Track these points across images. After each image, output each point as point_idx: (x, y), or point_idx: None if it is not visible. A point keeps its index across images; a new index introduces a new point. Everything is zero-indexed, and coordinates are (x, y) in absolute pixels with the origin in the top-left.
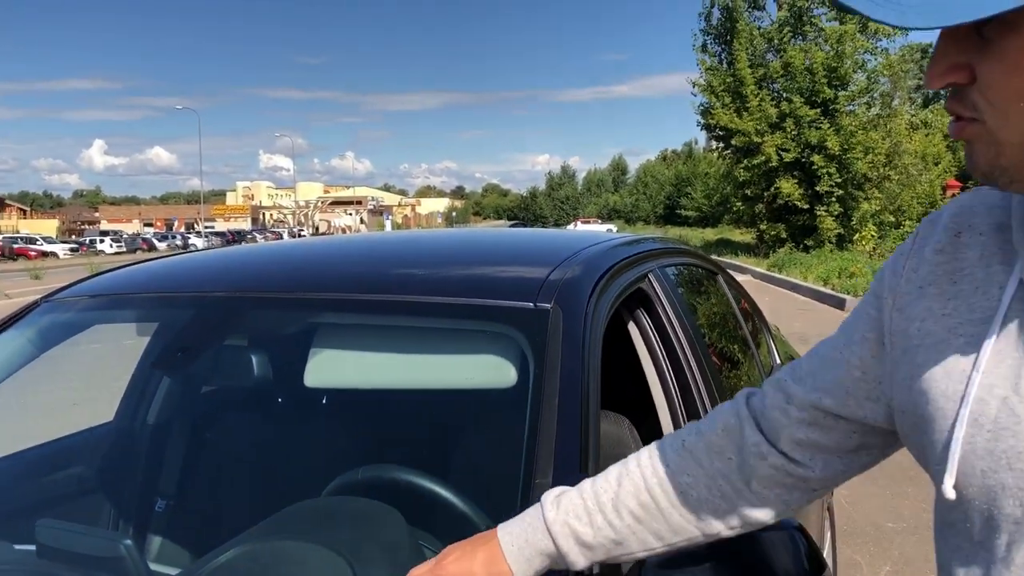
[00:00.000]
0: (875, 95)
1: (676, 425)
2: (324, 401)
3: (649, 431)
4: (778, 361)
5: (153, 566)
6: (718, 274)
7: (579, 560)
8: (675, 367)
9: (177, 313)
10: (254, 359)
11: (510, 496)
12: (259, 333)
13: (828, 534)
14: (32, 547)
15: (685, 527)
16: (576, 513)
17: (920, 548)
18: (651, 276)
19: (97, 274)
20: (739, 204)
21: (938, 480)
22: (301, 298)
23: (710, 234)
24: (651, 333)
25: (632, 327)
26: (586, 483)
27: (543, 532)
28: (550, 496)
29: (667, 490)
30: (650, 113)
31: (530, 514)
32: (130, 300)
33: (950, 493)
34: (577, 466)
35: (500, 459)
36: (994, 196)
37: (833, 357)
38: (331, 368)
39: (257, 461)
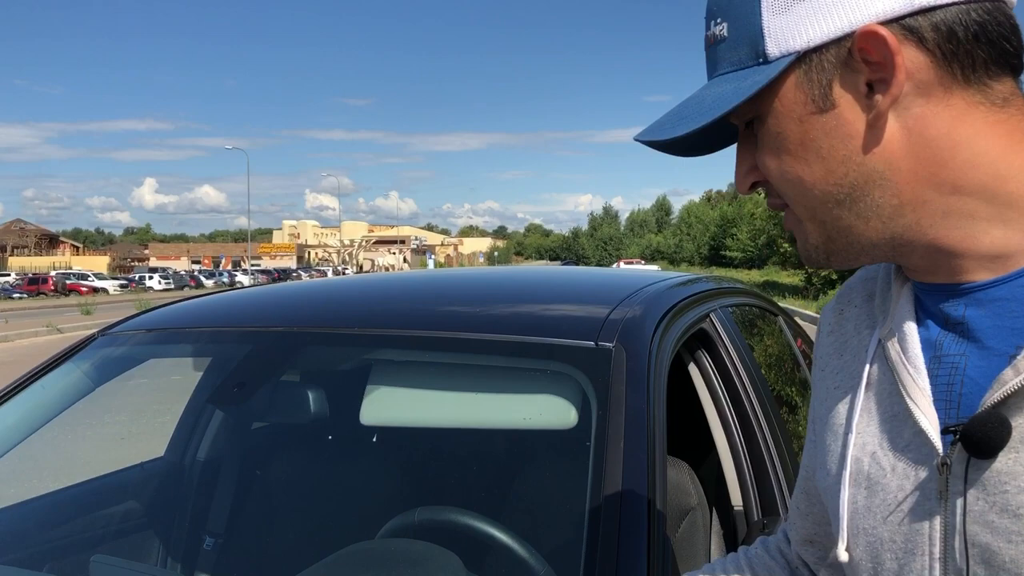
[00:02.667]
0: None
1: (739, 469)
2: (375, 439)
3: (710, 478)
4: None
5: None
6: (779, 315)
7: None
8: (739, 411)
9: (232, 348)
10: (309, 395)
11: (574, 543)
12: (314, 369)
13: None
14: None
15: None
16: None
17: None
18: (712, 316)
19: (153, 308)
20: (786, 245)
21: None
22: (357, 334)
23: (756, 276)
24: (712, 374)
25: (693, 368)
26: None
27: None
28: None
29: None
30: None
31: None
32: (186, 334)
33: (843, 556)
34: (645, 512)
35: (561, 503)
36: (870, 269)
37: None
38: (387, 405)
39: (310, 500)
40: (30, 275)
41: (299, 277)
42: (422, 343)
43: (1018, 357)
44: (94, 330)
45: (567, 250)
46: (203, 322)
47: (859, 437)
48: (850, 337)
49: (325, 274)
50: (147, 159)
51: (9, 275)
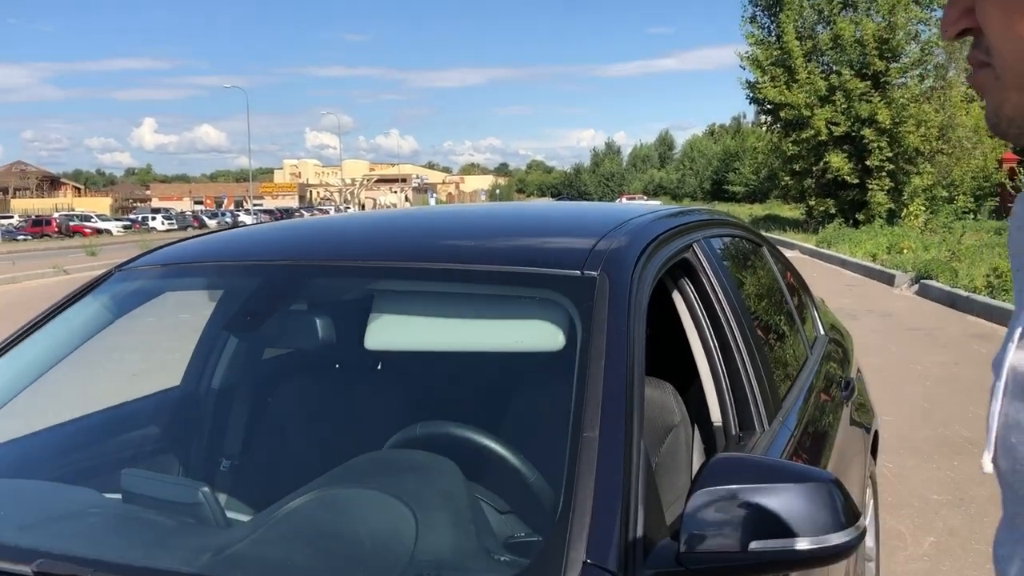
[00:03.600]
0: (929, 67)
1: (718, 388)
2: (379, 367)
3: (693, 398)
4: (821, 332)
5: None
6: (763, 246)
7: None
8: (719, 336)
9: (243, 280)
10: (317, 323)
11: (559, 450)
12: (321, 299)
13: (871, 503)
14: (118, 496)
15: None
16: None
17: (965, 521)
18: (696, 247)
19: (166, 244)
20: (787, 179)
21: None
22: (362, 266)
23: (758, 210)
24: (695, 302)
25: (677, 296)
26: None
27: None
28: None
29: None
30: (697, 87)
31: None
32: (199, 268)
33: (987, 467)
34: (623, 421)
35: (549, 416)
36: None
37: None
38: (390, 332)
39: (319, 420)
40: (33, 217)
41: (301, 217)
42: (422, 274)
43: None
44: (111, 266)
45: (569, 186)
46: (216, 257)
47: (1020, 346)
48: None
49: (327, 213)
50: (146, 99)
51: (12, 217)
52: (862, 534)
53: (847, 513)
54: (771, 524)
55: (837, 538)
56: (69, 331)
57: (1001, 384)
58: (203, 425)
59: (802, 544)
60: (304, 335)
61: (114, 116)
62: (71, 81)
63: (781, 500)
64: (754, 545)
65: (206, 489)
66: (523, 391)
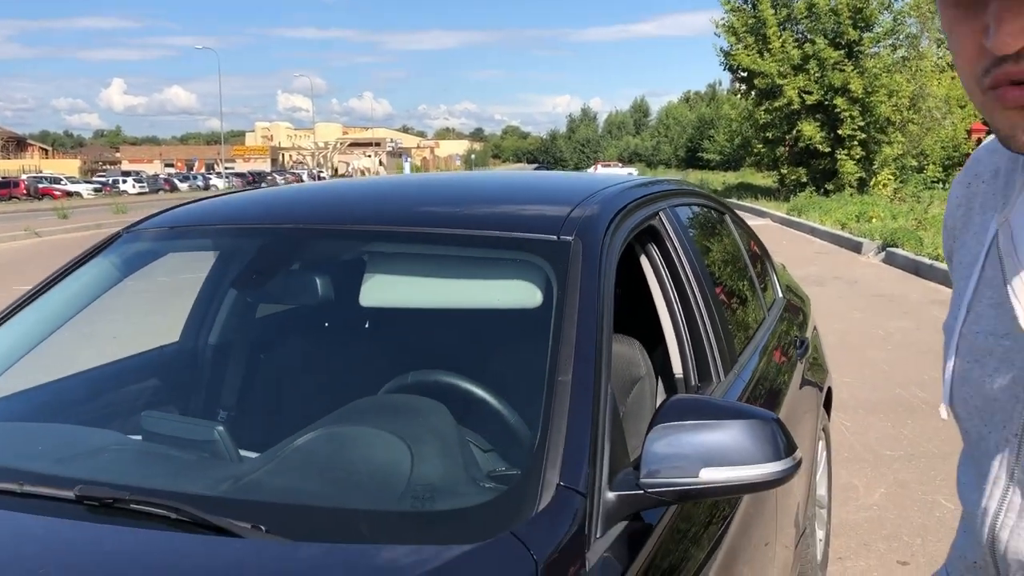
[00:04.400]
0: (901, 37)
1: (680, 344)
2: (374, 322)
3: (659, 354)
4: (780, 296)
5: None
6: (726, 214)
7: None
8: (681, 296)
9: (247, 242)
10: (317, 282)
11: (536, 393)
12: (319, 260)
13: (823, 454)
14: (138, 437)
15: None
16: None
17: (915, 473)
18: (662, 215)
19: (170, 208)
20: (760, 147)
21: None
22: (358, 230)
23: (731, 178)
24: (661, 266)
25: (644, 260)
26: None
27: None
28: None
29: None
30: (674, 53)
31: None
32: (203, 231)
33: (943, 414)
34: (592, 368)
35: (527, 365)
36: (995, 142)
37: None
38: (384, 290)
39: (318, 372)
40: (0, 179)
41: (274, 180)
42: (414, 237)
43: None
44: (82, 228)
45: (545, 152)
46: (220, 220)
47: (971, 315)
48: (975, 215)
49: (300, 177)
50: (115, 59)
51: None
52: (798, 464)
53: (786, 446)
54: (719, 454)
55: (776, 467)
56: (82, 289)
57: (953, 344)
58: (202, 378)
59: (745, 471)
60: (304, 293)
61: (82, 76)
62: (37, 39)
63: (728, 434)
64: (704, 472)
65: (221, 428)
66: (504, 343)
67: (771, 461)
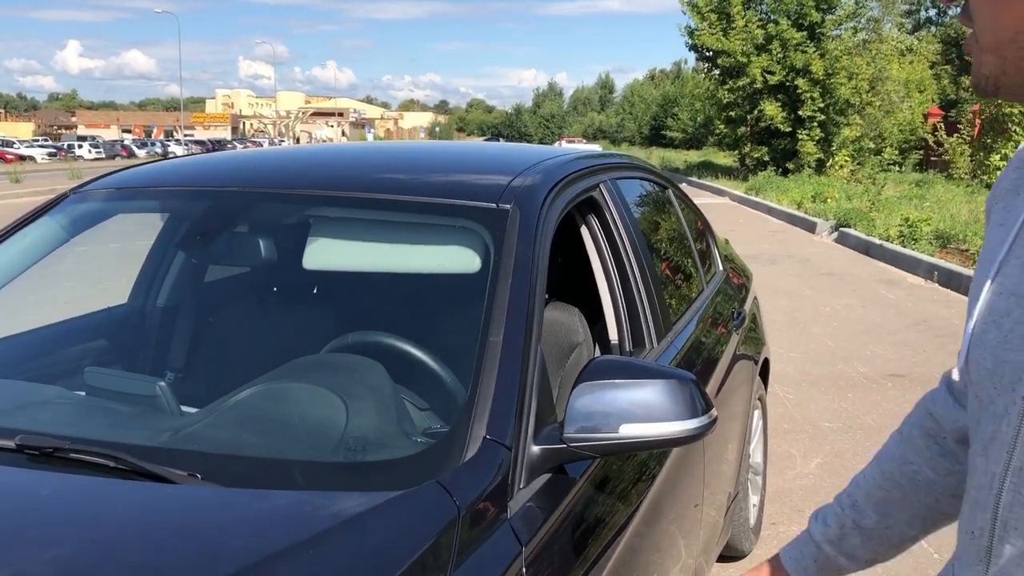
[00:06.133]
0: (862, 20)
1: (616, 312)
2: (317, 284)
3: (599, 323)
4: (720, 269)
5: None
6: (668, 188)
7: (850, 564)
8: (619, 266)
9: (193, 205)
10: (260, 244)
11: (470, 354)
12: (264, 223)
13: (759, 423)
14: (82, 392)
15: (929, 509)
16: (833, 522)
17: (851, 444)
18: (602, 187)
19: (120, 170)
20: (723, 126)
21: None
22: (302, 194)
23: (694, 156)
24: (600, 237)
25: (584, 231)
26: (841, 492)
27: (812, 545)
28: (812, 514)
29: (900, 480)
30: (641, 30)
31: (802, 532)
32: (152, 193)
33: (955, 375)
34: (523, 330)
35: (463, 328)
36: None
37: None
38: (327, 254)
39: (261, 333)
40: None
41: (234, 148)
42: (357, 203)
43: None
44: (36, 193)
45: (509, 127)
46: (168, 182)
47: (1001, 276)
48: (1018, 195)
49: (261, 146)
50: (70, 19)
51: None
52: (713, 421)
53: (703, 405)
54: (639, 412)
55: (692, 423)
56: (27, 248)
57: (977, 306)
58: (153, 336)
59: (663, 428)
60: (248, 255)
61: (36, 37)
62: None
63: (648, 392)
64: (623, 428)
65: (163, 383)
66: (443, 307)
67: (688, 419)
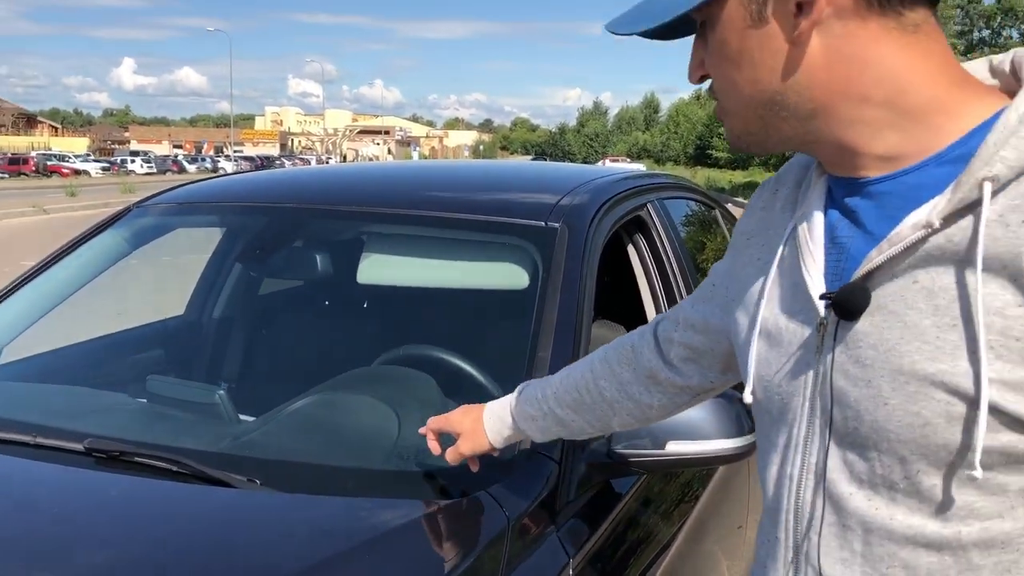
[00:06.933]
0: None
1: None
2: (370, 299)
3: None
4: None
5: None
6: (715, 208)
7: (534, 436)
8: (665, 286)
9: (251, 220)
10: (316, 259)
11: (519, 369)
12: (319, 239)
13: None
14: (143, 400)
15: (605, 420)
16: (532, 402)
17: None
18: (649, 206)
19: (180, 185)
20: None
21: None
22: (356, 211)
23: (739, 176)
24: (647, 255)
25: (631, 249)
26: (547, 379)
27: (509, 413)
28: (520, 387)
29: (592, 390)
30: (687, 50)
31: (507, 398)
32: (211, 208)
33: (748, 398)
34: (571, 345)
35: (511, 342)
36: (807, 157)
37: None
38: (380, 269)
39: (315, 345)
40: (10, 155)
41: (282, 165)
42: (410, 220)
43: (883, 240)
44: (91, 207)
45: (553, 145)
46: (225, 198)
47: (768, 302)
48: (777, 216)
49: (308, 163)
50: (125, 38)
51: None
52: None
53: (749, 424)
54: (685, 429)
55: (738, 442)
56: (90, 260)
57: (755, 332)
58: (210, 346)
59: (709, 446)
60: (305, 269)
61: (92, 55)
62: (48, 16)
63: (694, 410)
64: (670, 445)
65: (222, 392)
66: (491, 322)
67: (734, 437)
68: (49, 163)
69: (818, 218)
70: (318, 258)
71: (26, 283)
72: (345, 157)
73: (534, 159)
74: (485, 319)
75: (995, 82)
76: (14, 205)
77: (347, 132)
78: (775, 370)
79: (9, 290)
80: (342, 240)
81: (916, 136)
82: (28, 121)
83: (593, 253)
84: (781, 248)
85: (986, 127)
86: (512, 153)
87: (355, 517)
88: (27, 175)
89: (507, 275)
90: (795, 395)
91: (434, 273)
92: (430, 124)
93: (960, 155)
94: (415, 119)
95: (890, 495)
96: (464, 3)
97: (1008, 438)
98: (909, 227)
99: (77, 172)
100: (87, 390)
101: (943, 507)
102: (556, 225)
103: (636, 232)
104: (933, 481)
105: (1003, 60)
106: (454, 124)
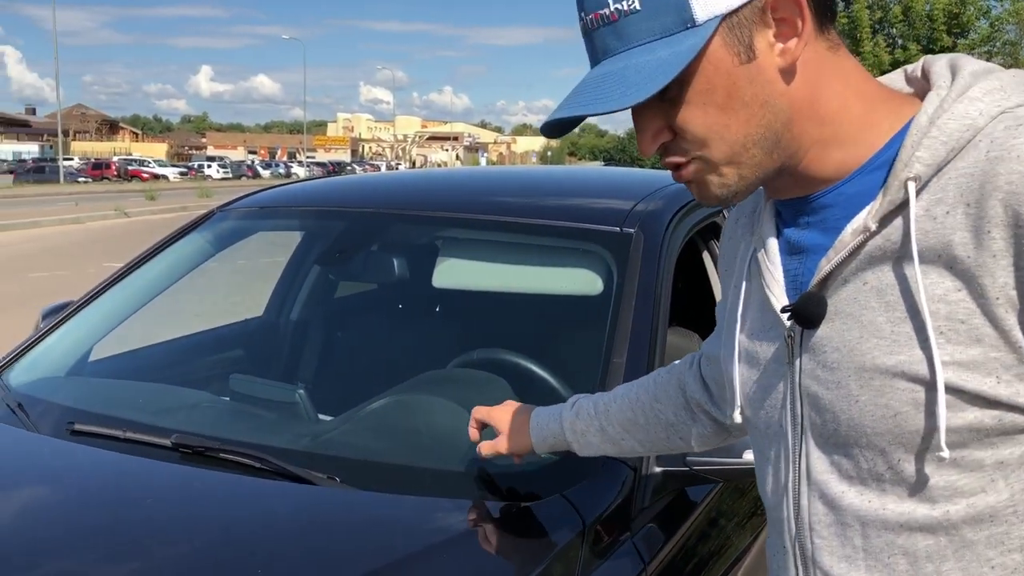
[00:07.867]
0: (998, 44)
1: None
2: (445, 302)
3: None
4: None
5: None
6: None
7: (579, 449)
8: None
9: (330, 224)
10: (393, 263)
11: (593, 374)
12: (396, 243)
13: None
14: (226, 398)
15: (658, 441)
16: (584, 416)
17: None
18: (725, 212)
19: (261, 190)
20: None
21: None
22: (432, 216)
23: None
24: None
25: (706, 256)
26: (600, 395)
27: (558, 422)
28: (572, 399)
29: (647, 411)
30: None
31: (557, 408)
32: (291, 212)
33: (737, 418)
34: (647, 352)
35: (586, 347)
36: None
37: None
38: (455, 273)
39: (391, 347)
40: (93, 160)
41: (353, 171)
42: (485, 225)
43: (830, 249)
44: (169, 211)
45: (622, 151)
46: (305, 203)
47: (743, 324)
48: (739, 243)
49: (378, 168)
50: (203, 46)
51: (73, 159)
52: None
53: None
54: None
55: None
56: (176, 262)
57: (735, 354)
58: (288, 346)
59: None
60: (382, 273)
61: (171, 63)
62: (130, 26)
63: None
64: (747, 454)
65: (301, 391)
66: (565, 327)
67: None
68: (130, 168)
69: (772, 240)
70: (394, 262)
71: (115, 283)
72: (414, 163)
73: (605, 164)
74: (558, 324)
75: (911, 90)
76: (98, 208)
77: (416, 138)
78: (756, 387)
79: (99, 290)
80: (418, 244)
81: (852, 151)
82: (111, 127)
83: (668, 259)
84: (746, 273)
85: (904, 132)
86: (580, 159)
87: (431, 517)
88: (109, 179)
89: (581, 281)
90: (776, 407)
91: (508, 278)
92: (498, 130)
93: (884, 161)
94: (483, 125)
95: (879, 487)
96: (535, 9)
97: (974, 415)
98: (850, 233)
99: (156, 176)
100: (173, 387)
101: (928, 490)
102: (631, 231)
103: (712, 238)
104: (914, 466)
105: (915, 68)
106: (522, 130)
